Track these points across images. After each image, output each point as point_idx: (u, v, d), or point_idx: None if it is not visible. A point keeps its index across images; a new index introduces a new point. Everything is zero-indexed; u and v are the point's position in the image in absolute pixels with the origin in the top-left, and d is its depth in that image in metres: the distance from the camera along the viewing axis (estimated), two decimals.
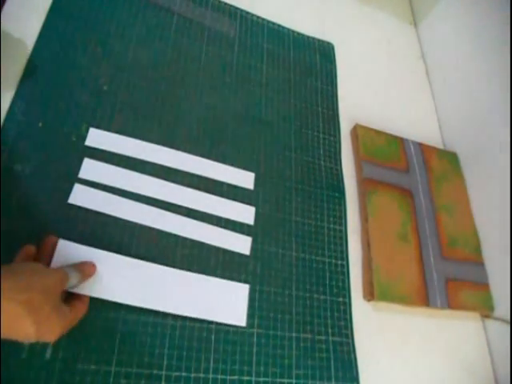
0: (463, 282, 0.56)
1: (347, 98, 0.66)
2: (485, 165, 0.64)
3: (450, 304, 0.53)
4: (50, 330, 0.30)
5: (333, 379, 0.44)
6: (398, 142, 0.64)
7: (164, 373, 0.38)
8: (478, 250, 0.60)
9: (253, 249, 0.47)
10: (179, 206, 0.46)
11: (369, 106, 0.68)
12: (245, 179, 0.51)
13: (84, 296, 0.36)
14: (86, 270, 0.37)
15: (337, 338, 0.47)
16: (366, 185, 0.57)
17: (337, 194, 0.56)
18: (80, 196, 0.42)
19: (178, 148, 0.49)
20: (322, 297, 0.49)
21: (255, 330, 0.44)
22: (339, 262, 0.52)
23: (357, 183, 0.59)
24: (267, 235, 0.49)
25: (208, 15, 0.61)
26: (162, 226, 0.44)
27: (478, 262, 0.59)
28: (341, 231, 0.54)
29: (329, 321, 0.48)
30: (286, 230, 0.51)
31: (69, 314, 0.33)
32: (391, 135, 0.64)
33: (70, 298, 0.35)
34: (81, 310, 0.35)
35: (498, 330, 0.55)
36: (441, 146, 0.71)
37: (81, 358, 0.36)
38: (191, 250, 0.45)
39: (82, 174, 0.43)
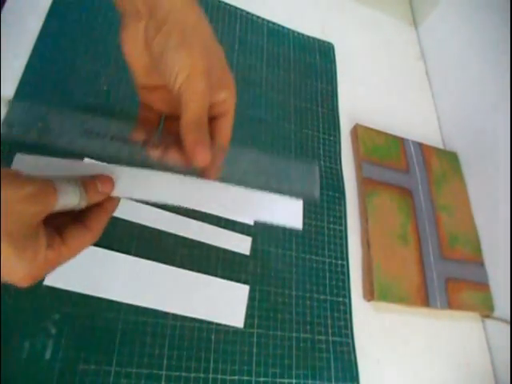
0: (463, 282, 0.56)
1: (347, 98, 0.66)
2: (485, 165, 0.64)
3: (450, 304, 0.53)
4: (12, 272, 0.23)
5: (333, 379, 0.44)
6: (398, 142, 0.64)
7: (164, 373, 0.38)
8: (478, 249, 0.60)
9: (253, 249, 0.47)
10: (179, 206, 0.46)
11: (369, 106, 0.68)
12: None
13: (96, 215, 0.27)
14: (93, 186, 0.27)
15: (337, 338, 0.47)
16: (365, 185, 0.57)
17: (337, 194, 0.56)
18: None
19: None
20: (322, 297, 0.49)
21: (255, 330, 0.44)
22: (339, 262, 0.52)
23: (357, 183, 0.59)
24: (267, 235, 0.49)
25: (208, 15, 0.61)
26: (162, 226, 0.44)
27: (477, 262, 0.59)
28: (341, 231, 0.54)
29: (329, 321, 0.48)
30: (286, 229, 0.51)
31: (44, 250, 0.23)
32: (391, 135, 0.64)
33: (73, 220, 0.26)
34: (84, 238, 0.26)
35: (498, 329, 0.55)
36: (441, 146, 0.71)
37: (81, 358, 0.36)
38: (191, 249, 0.45)
39: None
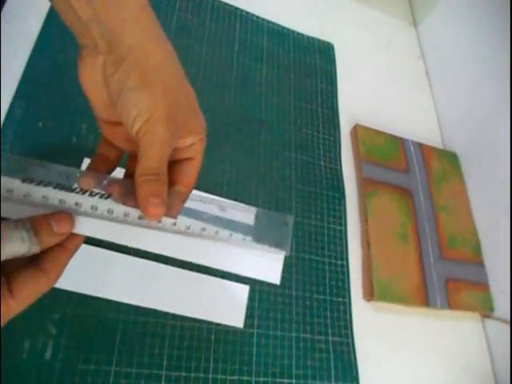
0: (463, 282, 0.56)
1: (347, 98, 0.66)
2: (485, 165, 0.64)
3: (450, 304, 0.53)
4: None
5: (333, 379, 0.44)
6: (398, 142, 0.64)
7: (164, 373, 0.38)
8: (478, 250, 0.60)
9: None
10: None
11: (369, 106, 0.68)
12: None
13: (54, 255, 0.24)
14: (46, 227, 0.23)
15: (337, 338, 0.47)
16: (365, 185, 0.57)
17: (337, 194, 0.56)
18: None
19: None
20: (322, 297, 0.49)
21: (255, 330, 0.44)
22: (339, 262, 0.52)
23: (357, 183, 0.59)
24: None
25: (208, 15, 0.61)
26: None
27: (477, 262, 0.59)
28: (341, 231, 0.54)
29: (329, 321, 0.48)
30: None
31: None
32: (391, 135, 0.64)
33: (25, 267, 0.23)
34: (38, 283, 0.23)
35: (498, 329, 0.55)
36: (441, 146, 0.71)
37: (81, 358, 0.36)
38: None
39: None
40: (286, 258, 0.49)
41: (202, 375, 0.39)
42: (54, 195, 0.24)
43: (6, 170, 0.23)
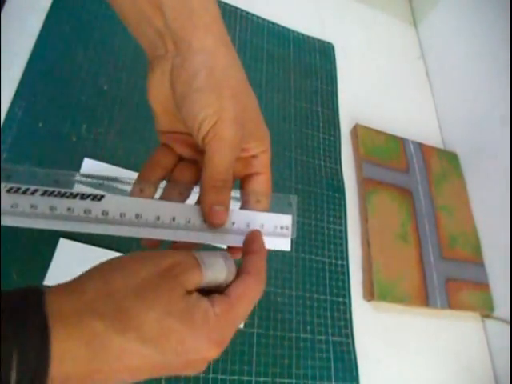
0: (463, 282, 0.56)
1: (347, 98, 0.66)
2: (485, 165, 0.64)
3: (450, 304, 0.53)
4: (195, 349, 0.20)
5: (333, 379, 0.44)
6: (398, 142, 0.64)
7: None
8: (478, 250, 0.60)
9: None
10: None
11: (369, 106, 0.68)
12: None
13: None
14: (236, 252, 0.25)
15: (337, 338, 0.47)
16: (366, 185, 0.57)
17: (337, 194, 0.56)
18: None
19: None
20: (322, 297, 0.49)
21: (255, 330, 0.44)
22: (339, 262, 0.52)
23: (357, 183, 0.59)
24: None
25: None
26: None
27: (477, 262, 0.59)
28: (341, 231, 0.54)
29: (329, 321, 0.48)
30: None
31: (211, 307, 0.21)
32: (391, 135, 0.64)
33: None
34: (248, 284, 0.23)
35: (498, 329, 0.55)
36: (441, 146, 0.71)
37: None
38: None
39: None
40: (285, 257, 0.49)
41: (202, 375, 0.39)
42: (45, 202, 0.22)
43: None
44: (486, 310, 0.56)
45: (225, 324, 0.21)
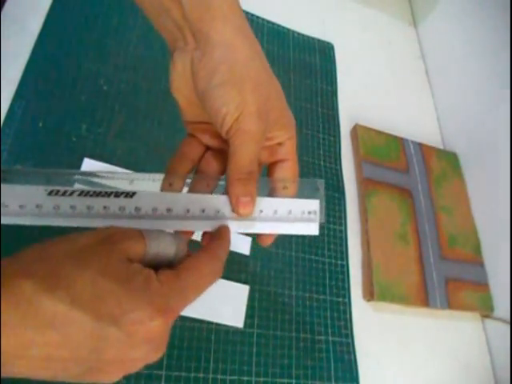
0: (463, 282, 0.56)
1: (347, 98, 0.66)
2: (485, 165, 0.64)
3: (450, 304, 0.53)
4: (133, 316, 0.19)
5: (332, 379, 0.44)
6: (398, 142, 0.64)
7: (164, 373, 0.38)
8: (477, 250, 0.60)
9: (253, 249, 0.47)
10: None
11: (369, 105, 0.68)
12: None
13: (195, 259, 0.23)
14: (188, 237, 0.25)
15: (337, 338, 0.47)
16: (365, 185, 0.57)
17: (337, 194, 0.56)
18: None
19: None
20: (322, 297, 0.49)
21: (255, 330, 0.44)
22: (339, 262, 0.52)
23: (357, 183, 0.59)
24: None
25: None
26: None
27: (477, 262, 0.59)
28: (341, 231, 0.54)
29: (329, 321, 0.48)
30: None
31: (154, 275, 0.20)
32: (391, 135, 0.64)
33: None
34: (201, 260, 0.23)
35: (498, 329, 0.55)
36: (441, 146, 0.71)
37: None
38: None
39: None
40: (285, 257, 0.49)
41: (202, 375, 0.39)
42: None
43: None
44: (486, 310, 0.56)
45: (169, 292, 0.20)
